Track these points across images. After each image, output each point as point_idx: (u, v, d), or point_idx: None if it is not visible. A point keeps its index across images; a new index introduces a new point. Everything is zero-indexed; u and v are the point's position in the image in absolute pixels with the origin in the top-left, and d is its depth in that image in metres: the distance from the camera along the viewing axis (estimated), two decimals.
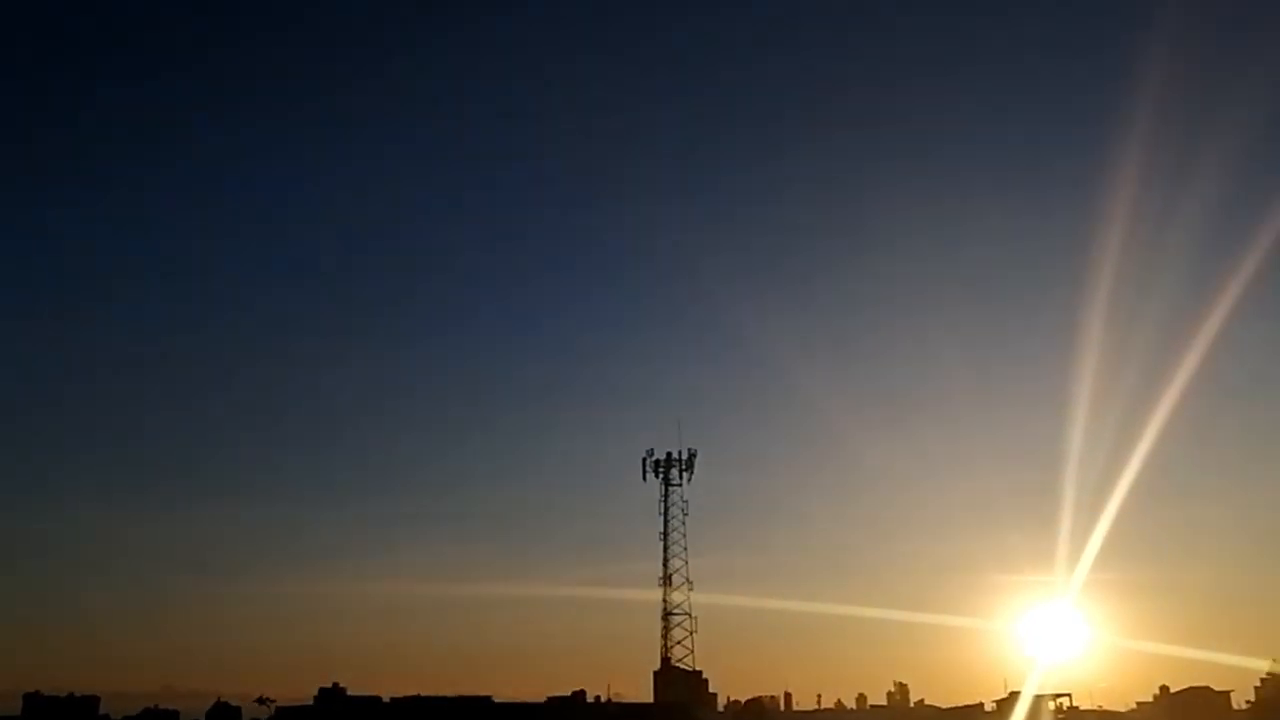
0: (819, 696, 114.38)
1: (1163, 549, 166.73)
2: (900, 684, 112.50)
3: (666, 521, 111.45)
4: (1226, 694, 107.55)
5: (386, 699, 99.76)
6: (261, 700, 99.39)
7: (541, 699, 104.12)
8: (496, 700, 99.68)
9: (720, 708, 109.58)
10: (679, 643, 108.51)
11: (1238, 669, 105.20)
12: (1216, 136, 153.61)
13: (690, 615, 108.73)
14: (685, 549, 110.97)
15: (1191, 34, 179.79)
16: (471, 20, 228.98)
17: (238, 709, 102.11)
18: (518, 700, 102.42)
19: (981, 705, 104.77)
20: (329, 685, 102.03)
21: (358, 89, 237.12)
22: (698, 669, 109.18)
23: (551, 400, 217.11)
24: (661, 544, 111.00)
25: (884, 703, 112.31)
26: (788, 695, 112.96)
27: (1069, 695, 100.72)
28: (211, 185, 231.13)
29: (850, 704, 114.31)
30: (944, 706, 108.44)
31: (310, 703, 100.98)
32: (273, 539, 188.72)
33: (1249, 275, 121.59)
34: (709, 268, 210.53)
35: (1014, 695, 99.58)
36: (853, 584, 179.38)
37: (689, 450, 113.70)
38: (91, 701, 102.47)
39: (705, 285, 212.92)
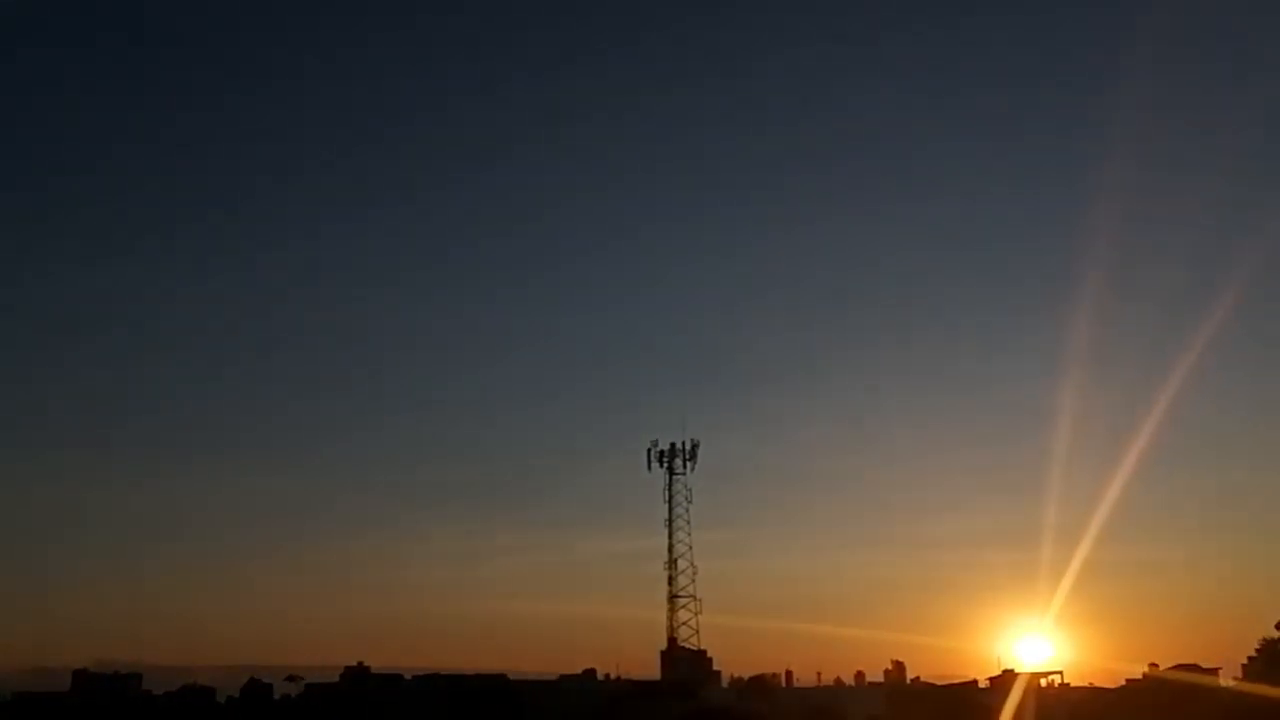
0: (819, 674, 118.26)
1: (1159, 526, 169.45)
2: (897, 662, 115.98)
3: (671, 509, 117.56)
4: (1215, 671, 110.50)
5: (409, 676, 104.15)
6: (291, 678, 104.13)
7: (554, 677, 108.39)
8: (512, 677, 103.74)
9: (724, 684, 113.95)
10: (684, 623, 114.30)
11: (1228, 644, 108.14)
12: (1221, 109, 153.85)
13: (695, 597, 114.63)
14: (690, 535, 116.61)
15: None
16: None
17: (269, 686, 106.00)
18: (532, 678, 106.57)
19: (975, 682, 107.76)
20: (354, 664, 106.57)
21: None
22: (702, 648, 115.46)
23: (560, 386, 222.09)
24: (667, 530, 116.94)
25: (880, 679, 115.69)
26: (788, 673, 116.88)
27: (1060, 673, 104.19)
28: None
29: (849, 681, 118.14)
30: (940, 683, 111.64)
31: (336, 680, 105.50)
32: (294, 515, 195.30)
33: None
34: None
35: (1008, 673, 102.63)
36: (854, 561, 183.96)
37: (692, 440, 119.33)
38: (134, 679, 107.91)
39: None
